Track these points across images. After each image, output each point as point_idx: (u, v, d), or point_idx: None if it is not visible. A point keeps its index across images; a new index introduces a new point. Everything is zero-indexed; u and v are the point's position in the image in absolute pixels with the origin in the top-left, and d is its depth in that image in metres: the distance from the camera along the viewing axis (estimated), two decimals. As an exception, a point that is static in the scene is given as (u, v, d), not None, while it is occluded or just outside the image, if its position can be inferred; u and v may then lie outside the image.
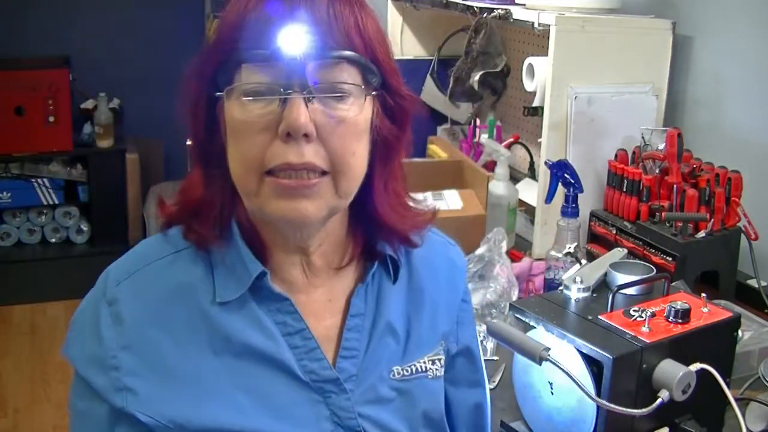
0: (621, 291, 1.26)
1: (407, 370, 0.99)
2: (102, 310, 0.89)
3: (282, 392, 0.91)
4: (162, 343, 0.89)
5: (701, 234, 1.67)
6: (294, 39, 0.82)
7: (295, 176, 0.84)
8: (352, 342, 0.96)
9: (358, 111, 0.86)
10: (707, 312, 1.24)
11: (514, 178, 2.30)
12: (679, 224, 1.67)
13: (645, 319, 1.18)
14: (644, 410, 1.09)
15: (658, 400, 1.10)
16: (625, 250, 1.46)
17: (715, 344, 1.23)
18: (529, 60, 2.06)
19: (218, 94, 0.86)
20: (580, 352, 1.15)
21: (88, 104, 4.24)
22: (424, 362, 1.01)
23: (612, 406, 1.09)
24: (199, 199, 0.91)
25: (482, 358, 1.14)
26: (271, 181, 0.85)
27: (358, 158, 0.88)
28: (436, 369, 1.02)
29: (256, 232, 0.92)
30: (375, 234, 0.96)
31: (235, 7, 0.86)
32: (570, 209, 1.73)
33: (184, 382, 0.89)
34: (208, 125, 0.89)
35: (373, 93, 0.88)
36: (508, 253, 1.81)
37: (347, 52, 0.84)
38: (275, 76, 0.83)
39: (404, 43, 2.74)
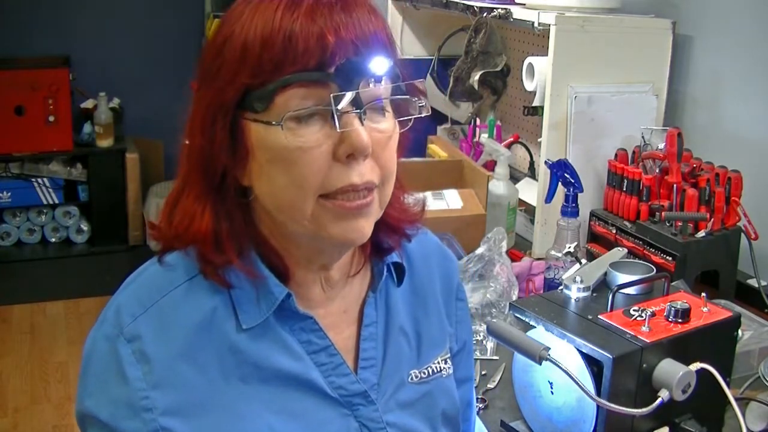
0: (621, 290, 1.26)
1: (424, 372, 0.99)
2: (122, 349, 0.83)
3: (312, 410, 0.90)
4: (190, 377, 0.85)
5: (701, 234, 1.67)
6: (349, 63, 0.79)
7: (355, 197, 0.82)
8: (370, 351, 0.95)
9: (394, 122, 0.85)
10: (707, 312, 1.24)
11: (514, 177, 2.30)
12: (679, 224, 1.67)
13: (645, 319, 1.18)
14: (644, 410, 1.09)
15: (658, 400, 1.10)
16: (625, 250, 1.46)
17: (715, 344, 1.23)
18: (529, 60, 2.06)
19: (273, 123, 0.80)
20: (580, 352, 1.15)
21: (88, 104, 4.24)
22: (438, 362, 1.01)
23: (612, 405, 1.09)
24: (211, 231, 0.86)
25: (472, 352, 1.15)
26: (331, 204, 0.82)
27: (396, 168, 0.88)
28: (448, 367, 1.02)
29: (277, 255, 0.89)
30: (378, 232, 0.94)
31: (260, 21, 0.80)
32: (570, 209, 1.73)
33: (217, 414, 0.85)
34: (228, 150, 0.83)
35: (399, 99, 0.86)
36: (508, 252, 1.81)
37: (389, 64, 0.82)
38: (325, 97, 0.79)
39: (404, 42, 2.74)
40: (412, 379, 0.98)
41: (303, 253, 0.89)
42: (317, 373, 0.91)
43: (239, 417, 0.86)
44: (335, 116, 0.79)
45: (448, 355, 1.03)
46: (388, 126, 0.84)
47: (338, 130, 0.79)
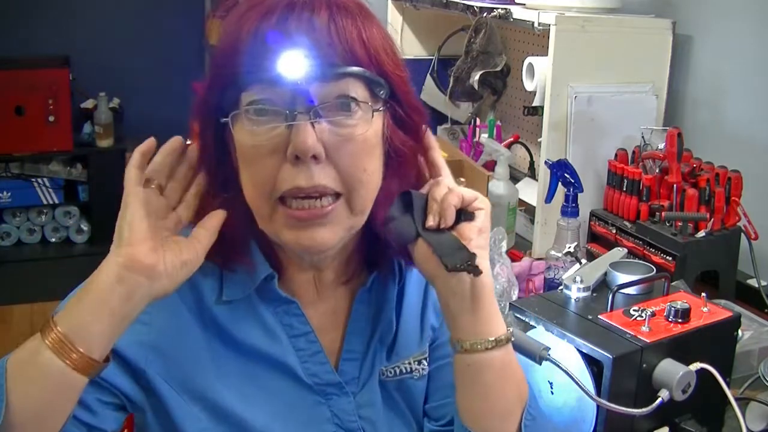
0: (621, 290, 1.26)
1: (391, 371, 1.00)
2: None
3: (286, 393, 0.92)
4: (178, 328, 0.89)
5: (701, 234, 1.67)
6: (294, 62, 0.79)
7: (307, 205, 0.82)
8: (354, 345, 0.96)
9: (367, 126, 0.84)
10: (707, 312, 1.24)
11: (514, 177, 2.30)
12: (679, 224, 1.67)
13: (645, 319, 1.18)
14: (644, 410, 1.09)
15: (658, 400, 1.10)
16: (625, 250, 1.46)
17: (715, 344, 1.23)
18: (529, 60, 2.06)
19: (223, 120, 0.84)
20: (580, 352, 1.15)
21: (88, 104, 4.23)
22: (410, 363, 1.01)
23: (612, 405, 1.09)
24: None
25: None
26: (283, 211, 0.83)
27: (371, 174, 0.86)
28: (423, 368, 1.02)
29: (273, 250, 0.92)
30: (375, 244, 0.95)
31: (232, 30, 0.84)
32: (570, 209, 1.73)
33: (201, 365, 0.89)
34: (218, 151, 0.88)
35: (381, 108, 0.86)
36: (508, 252, 1.81)
37: (351, 68, 0.82)
38: (279, 99, 0.81)
39: (404, 43, 2.74)
40: (386, 375, 0.99)
41: (291, 252, 0.91)
42: (294, 357, 0.92)
43: (219, 374, 0.90)
44: (286, 116, 0.81)
45: (425, 356, 1.03)
46: (353, 130, 0.83)
47: (284, 127, 0.81)
